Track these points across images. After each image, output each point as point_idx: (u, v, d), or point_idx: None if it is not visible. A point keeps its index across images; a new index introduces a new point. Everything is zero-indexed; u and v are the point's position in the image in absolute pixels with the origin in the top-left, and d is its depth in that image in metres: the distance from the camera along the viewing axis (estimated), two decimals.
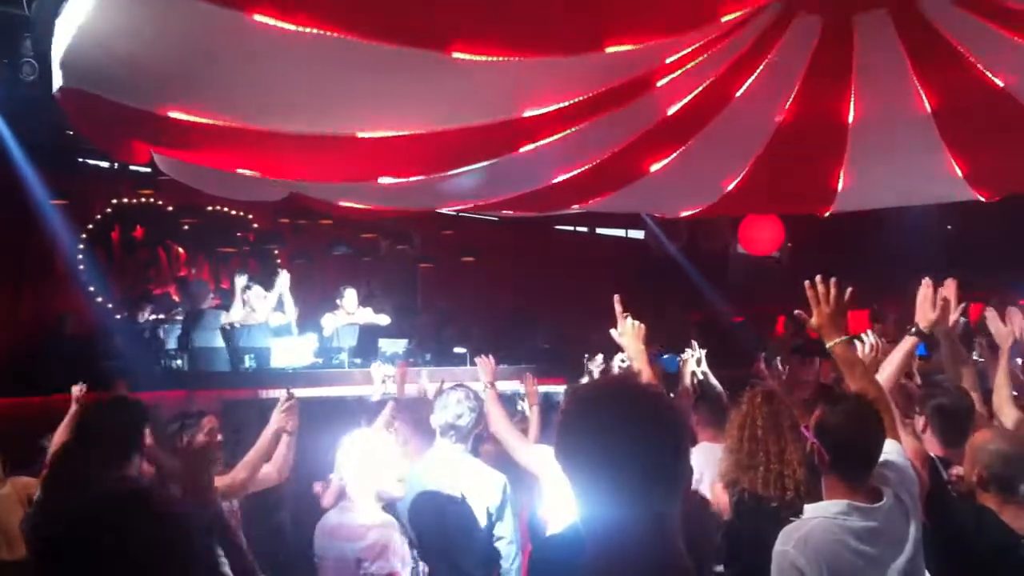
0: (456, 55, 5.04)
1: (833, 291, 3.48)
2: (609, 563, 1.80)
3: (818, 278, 3.50)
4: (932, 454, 3.86)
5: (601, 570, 1.82)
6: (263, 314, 10.24)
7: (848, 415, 3.02)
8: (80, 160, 11.58)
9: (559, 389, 7.66)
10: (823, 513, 2.94)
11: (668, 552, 1.82)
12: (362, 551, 3.75)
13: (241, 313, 10.30)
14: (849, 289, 3.52)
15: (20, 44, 7.29)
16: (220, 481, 4.31)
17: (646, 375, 3.61)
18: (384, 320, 10.86)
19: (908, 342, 3.90)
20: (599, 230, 17.94)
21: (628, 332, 3.81)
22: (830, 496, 3.00)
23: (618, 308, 3.85)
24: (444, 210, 11.48)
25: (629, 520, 1.79)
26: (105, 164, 11.89)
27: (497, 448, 5.20)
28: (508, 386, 7.45)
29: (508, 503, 4.38)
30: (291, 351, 9.81)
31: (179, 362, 9.67)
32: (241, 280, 10.17)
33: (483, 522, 4.24)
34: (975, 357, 5.31)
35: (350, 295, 10.60)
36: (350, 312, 10.55)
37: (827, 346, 3.51)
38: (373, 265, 14.12)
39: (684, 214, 10.48)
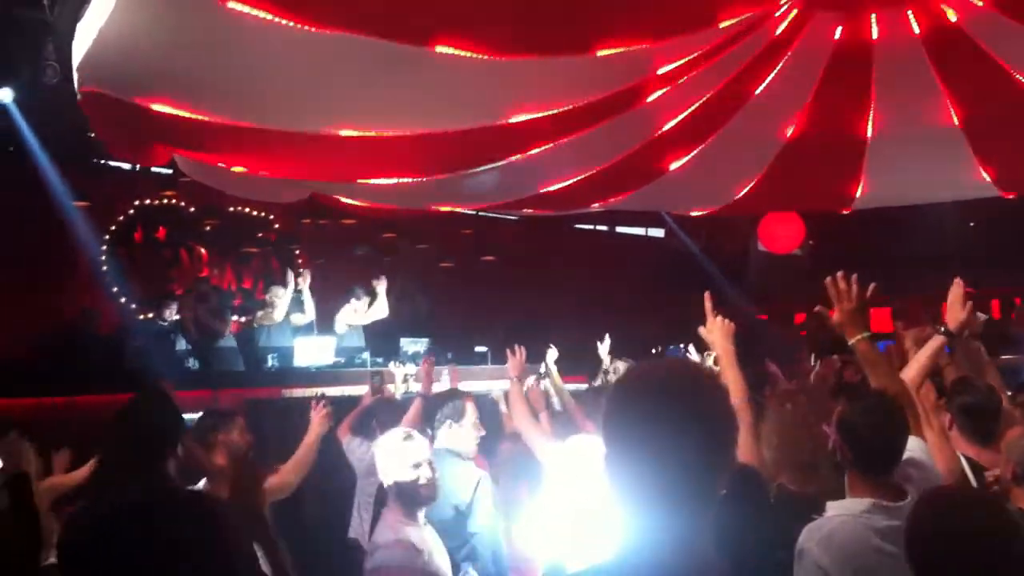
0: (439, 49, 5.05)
1: (855, 288, 3.46)
2: (637, 567, 1.69)
3: (839, 275, 3.48)
4: (959, 452, 3.83)
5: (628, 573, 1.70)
6: (280, 313, 10.32)
7: (870, 411, 2.98)
8: (102, 162, 11.65)
9: (580, 387, 7.64)
10: (847, 511, 2.91)
11: (702, 558, 1.71)
12: (367, 573, 3.56)
13: (259, 312, 10.42)
14: (872, 285, 3.50)
15: (43, 48, 7.35)
16: (270, 481, 4.35)
17: (732, 375, 3.52)
18: (379, 314, 10.93)
19: (936, 341, 3.87)
20: (619, 229, 17.89)
21: (717, 330, 3.73)
22: (853, 493, 2.97)
23: (708, 306, 3.78)
24: (463, 209, 11.50)
25: (667, 519, 1.69)
26: (127, 166, 11.95)
27: (515, 447, 5.20)
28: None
29: (481, 499, 4.42)
30: (313, 351, 9.86)
31: (191, 361, 9.72)
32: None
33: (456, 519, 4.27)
34: None
35: (363, 302, 10.73)
36: (355, 311, 10.65)
37: (849, 343, 3.49)
38: (393, 265, 14.14)
39: (703, 213, 10.45)
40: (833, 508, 2.98)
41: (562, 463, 4.39)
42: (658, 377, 1.82)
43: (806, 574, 2.84)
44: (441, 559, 3.72)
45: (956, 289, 3.95)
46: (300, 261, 13.65)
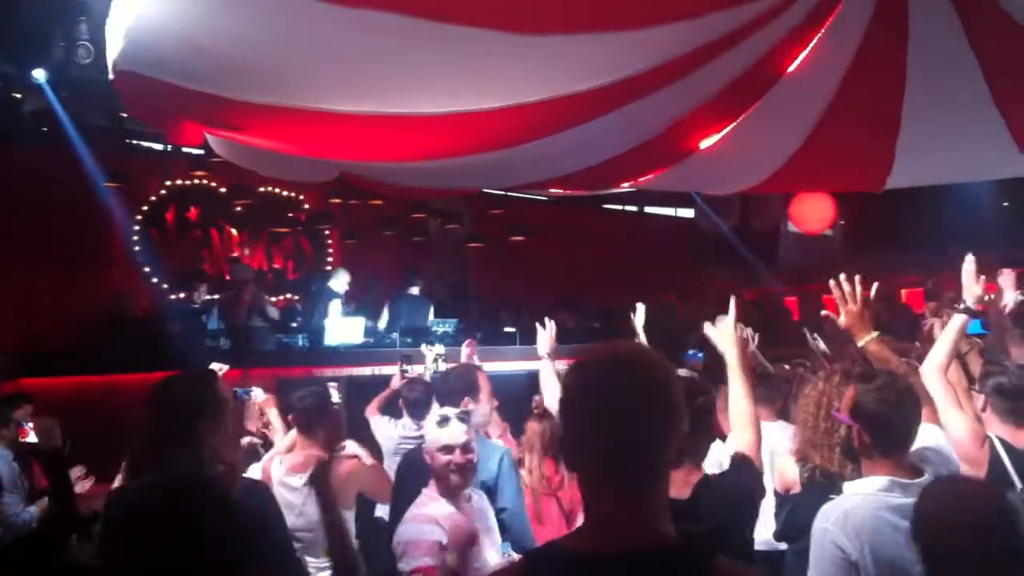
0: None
1: (860, 289, 3.45)
2: (596, 542, 1.74)
3: (842, 276, 3.47)
4: (993, 434, 3.80)
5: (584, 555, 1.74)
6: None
7: (884, 391, 2.95)
8: (134, 142, 11.75)
9: None
10: (863, 490, 2.91)
11: (647, 536, 1.73)
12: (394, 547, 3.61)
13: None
14: (875, 284, 3.49)
15: (76, 27, 7.39)
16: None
17: (735, 386, 3.43)
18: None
19: (958, 320, 3.83)
20: (648, 209, 17.84)
21: (729, 336, 3.57)
22: (869, 474, 2.96)
23: (733, 310, 3.62)
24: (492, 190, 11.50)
25: (605, 497, 1.75)
26: (159, 146, 12.06)
27: (543, 426, 5.20)
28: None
29: (507, 475, 4.35)
30: (343, 331, 9.92)
31: (222, 341, 9.81)
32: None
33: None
34: None
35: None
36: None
37: (859, 344, 3.48)
38: (423, 245, 14.19)
39: (735, 192, 10.38)
40: (849, 488, 2.99)
41: None
42: (593, 361, 1.86)
43: (823, 554, 2.83)
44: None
45: (967, 266, 3.92)
46: (330, 241, 13.76)
